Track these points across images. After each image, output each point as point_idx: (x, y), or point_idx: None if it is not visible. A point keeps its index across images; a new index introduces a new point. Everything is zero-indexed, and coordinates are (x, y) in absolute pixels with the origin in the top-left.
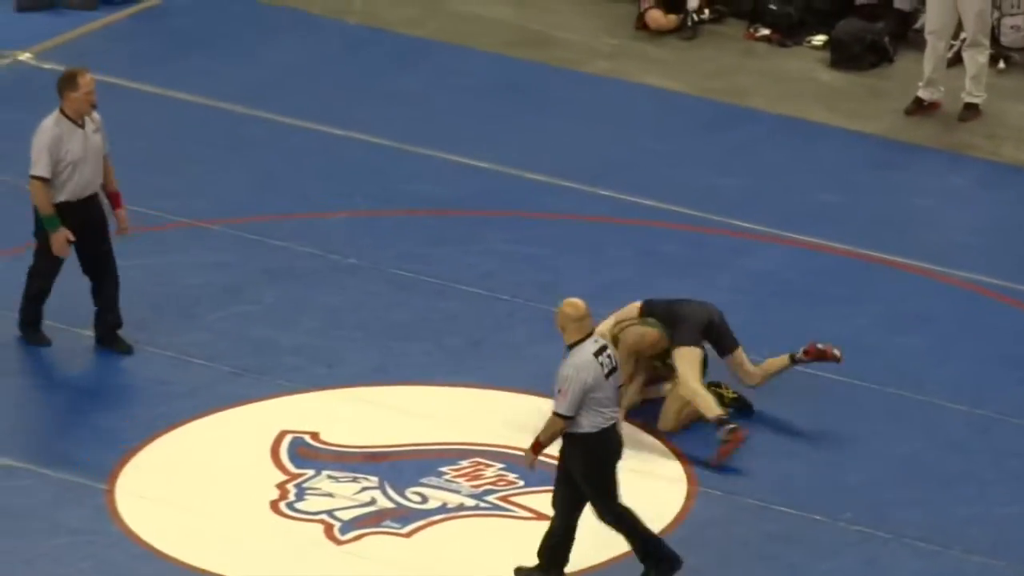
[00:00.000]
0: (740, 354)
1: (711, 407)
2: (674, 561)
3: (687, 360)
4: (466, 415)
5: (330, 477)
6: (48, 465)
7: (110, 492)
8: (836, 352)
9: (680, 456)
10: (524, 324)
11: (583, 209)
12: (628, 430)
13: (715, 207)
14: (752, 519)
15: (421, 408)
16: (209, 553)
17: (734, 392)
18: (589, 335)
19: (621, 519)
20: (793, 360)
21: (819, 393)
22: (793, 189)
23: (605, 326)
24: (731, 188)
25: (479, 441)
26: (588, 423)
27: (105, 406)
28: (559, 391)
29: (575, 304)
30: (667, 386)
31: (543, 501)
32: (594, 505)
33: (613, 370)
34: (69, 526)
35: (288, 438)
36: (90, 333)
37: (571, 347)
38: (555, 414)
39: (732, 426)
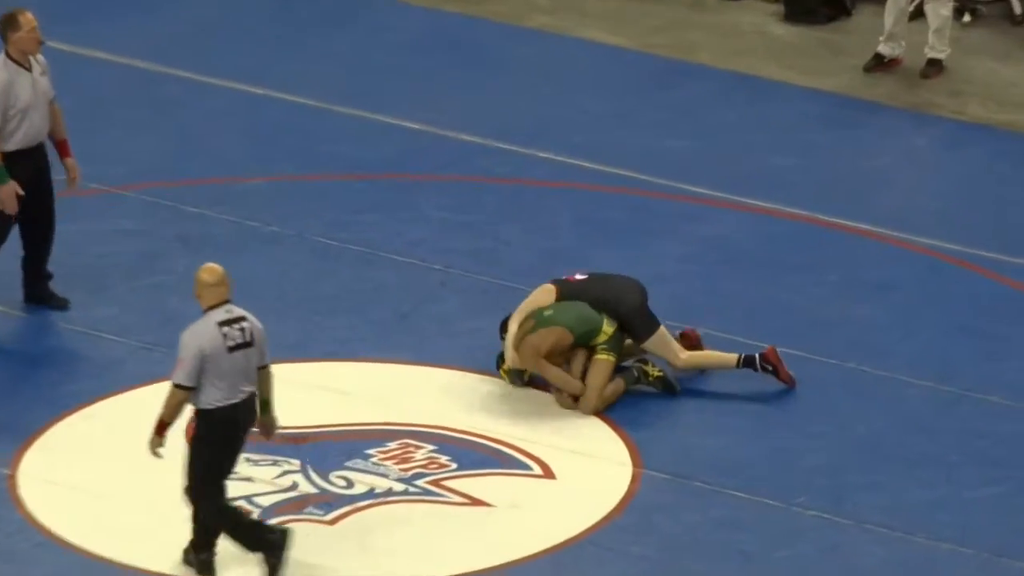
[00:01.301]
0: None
1: (726, 359)
2: (280, 543)
3: (663, 343)
4: (394, 393)
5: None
6: None
7: (12, 477)
8: (791, 374)
9: (624, 436)
10: (457, 295)
11: (520, 172)
12: (567, 409)
13: (661, 170)
14: (701, 504)
15: (346, 386)
16: (118, 542)
17: (659, 370)
18: (224, 303)
19: (220, 514)
20: (742, 363)
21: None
22: (744, 151)
23: (516, 320)
24: (678, 150)
25: (408, 421)
26: (204, 398)
27: (8, 385)
28: (178, 359)
29: (211, 269)
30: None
31: (477, 485)
32: (190, 485)
33: (243, 345)
34: None
35: None
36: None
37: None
38: (172, 384)
39: (756, 356)
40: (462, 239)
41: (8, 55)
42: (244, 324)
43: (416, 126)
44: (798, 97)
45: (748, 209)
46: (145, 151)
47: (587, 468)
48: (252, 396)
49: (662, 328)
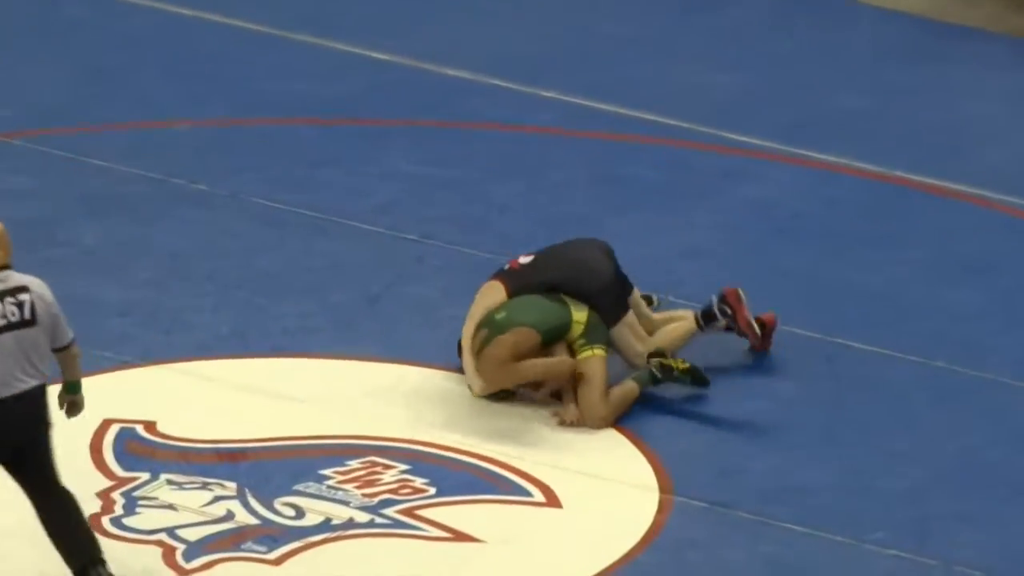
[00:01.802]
0: (636, 295)
1: (687, 328)
2: None
3: (628, 332)
4: (357, 399)
5: (171, 483)
6: None
7: None
8: (750, 321)
9: (648, 453)
10: (439, 274)
11: (520, 117)
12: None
13: (699, 114)
14: (747, 539)
15: (295, 389)
16: None
17: (684, 362)
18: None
19: None
20: (702, 321)
21: (837, 365)
22: (805, 90)
23: (466, 336)
24: (721, 88)
25: (375, 434)
26: None
27: None
28: None
29: None
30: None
31: (461, 515)
32: None
33: (18, 324)
34: None
35: (114, 430)
36: None
37: None
38: None
39: (713, 299)
40: (445, 202)
41: None
42: (23, 297)
43: (386, 57)
44: (873, 20)
45: (808, 164)
46: (41, 87)
47: (601, 494)
48: (37, 391)
49: (631, 314)
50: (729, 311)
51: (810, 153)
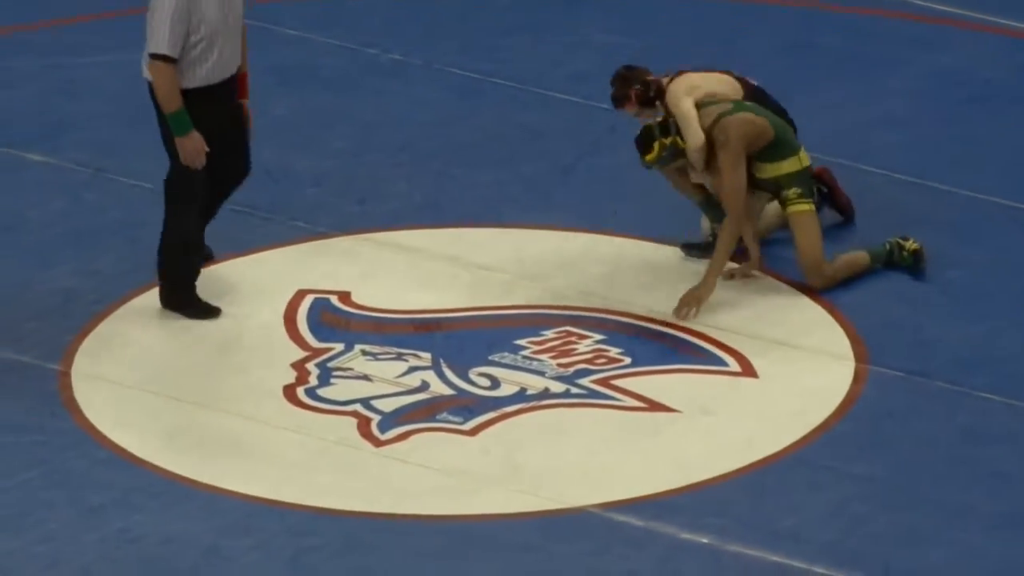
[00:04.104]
0: None
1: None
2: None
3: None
4: (552, 268)
5: (366, 353)
6: None
7: (65, 375)
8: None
9: (845, 324)
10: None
11: None
12: (769, 286)
13: None
14: (945, 410)
15: (489, 259)
16: (199, 458)
17: (917, 242)
18: None
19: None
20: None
21: None
22: None
23: (689, 95)
24: None
25: (570, 304)
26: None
27: (59, 257)
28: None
29: None
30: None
31: (657, 385)
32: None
33: None
34: (10, 421)
35: (308, 300)
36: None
37: None
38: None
39: (821, 188)
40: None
41: None
42: None
43: None
44: None
45: (1000, 31)
46: None
47: (797, 364)
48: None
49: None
50: (825, 189)
51: (1001, 20)
